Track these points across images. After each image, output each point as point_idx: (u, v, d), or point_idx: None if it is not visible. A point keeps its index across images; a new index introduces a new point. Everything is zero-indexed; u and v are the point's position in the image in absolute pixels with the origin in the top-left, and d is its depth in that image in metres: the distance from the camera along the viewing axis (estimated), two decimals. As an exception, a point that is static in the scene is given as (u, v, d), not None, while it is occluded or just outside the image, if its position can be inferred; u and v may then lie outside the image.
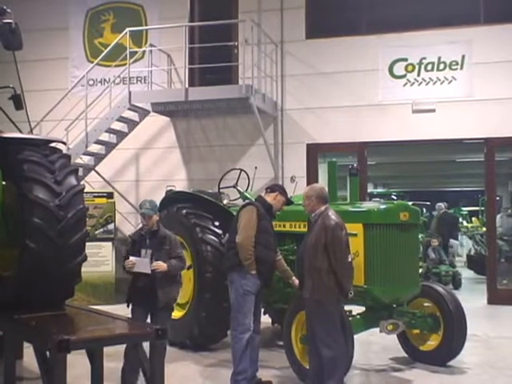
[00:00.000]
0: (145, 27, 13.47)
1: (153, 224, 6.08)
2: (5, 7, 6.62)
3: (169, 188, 9.06)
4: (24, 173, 5.52)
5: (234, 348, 6.12)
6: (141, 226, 6.44)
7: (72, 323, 5.59)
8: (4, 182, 5.27)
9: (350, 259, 5.70)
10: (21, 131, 7.18)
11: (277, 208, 6.53)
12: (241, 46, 12.54)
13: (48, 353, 4.81)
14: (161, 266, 5.92)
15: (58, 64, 14.04)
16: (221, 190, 8.87)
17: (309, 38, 12.75)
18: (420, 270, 10.24)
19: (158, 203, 6.64)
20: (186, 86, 12.34)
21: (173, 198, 8.64)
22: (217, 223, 8.17)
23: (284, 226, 7.57)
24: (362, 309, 7.00)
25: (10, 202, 5.44)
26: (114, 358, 5.71)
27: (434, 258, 14.46)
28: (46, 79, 13.67)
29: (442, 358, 7.17)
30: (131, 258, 5.99)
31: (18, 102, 6.75)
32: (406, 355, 7.50)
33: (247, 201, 6.27)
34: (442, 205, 17.16)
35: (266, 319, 8.04)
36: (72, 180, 5.75)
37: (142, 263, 5.95)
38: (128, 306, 6.08)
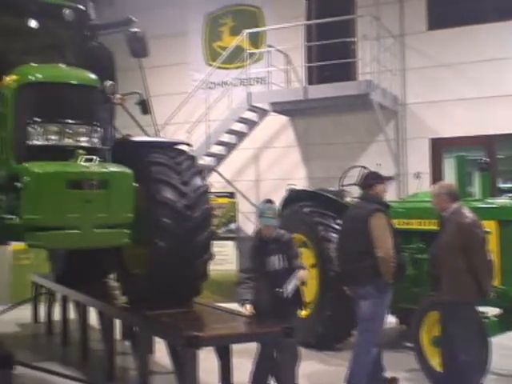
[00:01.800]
0: (262, 28, 13.58)
1: (272, 231, 5.67)
2: (131, 17, 6.89)
3: (290, 187, 9.05)
4: (152, 174, 5.71)
5: (361, 361, 5.85)
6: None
7: (200, 320, 5.72)
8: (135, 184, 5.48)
9: (489, 258, 5.44)
10: (148, 135, 7.44)
11: (384, 199, 6.30)
12: (359, 41, 12.35)
13: (179, 348, 4.94)
14: (303, 275, 5.62)
15: (178, 69, 14.47)
16: (342, 188, 8.76)
17: (430, 29, 12.34)
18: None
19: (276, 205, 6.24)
20: (305, 84, 12.32)
21: (294, 197, 8.62)
22: (339, 221, 8.05)
23: (410, 224, 7.32)
24: (496, 310, 6.65)
25: (139, 203, 5.63)
26: (242, 355, 5.76)
27: None
28: (167, 84, 14.11)
29: None
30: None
31: (145, 106, 7.00)
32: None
33: (371, 205, 5.95)
34: None
35: (391, 319, 7.84)
36: (198, 181, 5.88)
37: (290, 285, 5.50)
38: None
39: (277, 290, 5.43)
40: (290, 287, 5.47)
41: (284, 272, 5.57)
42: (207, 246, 5.87)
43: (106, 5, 12.80)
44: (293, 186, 9.18)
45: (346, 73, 12.72)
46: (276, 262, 5.59)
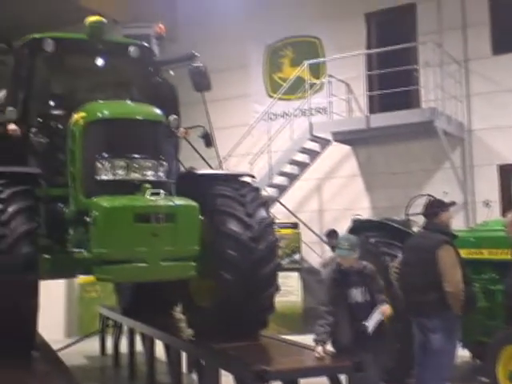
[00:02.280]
0: (323, 59, 13.61)
1: (351, 263, 5.51)
2: (193, 52, 7.01)
3: (355, 217, 8.93)
4: (217, 207, 5.73)
5: None
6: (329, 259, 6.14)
7: (267, 353, 5.65)
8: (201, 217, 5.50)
9: None
10: (211, 167, 7.51)
11: (449, 227, 6.07)
12: (421, 68, 12.21)
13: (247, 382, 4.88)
14: (387, 309, 5.42)
15: (240, 101, 14.62)
16: (409, 217, 8.58)
17: (495, 54, 12.10)
18: None
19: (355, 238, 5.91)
20: (367, 113, 12.22)
21: (359, 227, 8.48)
22: (406, 251, 7.87)
23: (481, 254, 7.08)
24: None
25: (205, 236, 5.64)
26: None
27: None
28: (229, 116, 14.27)
29: None
30: None
31: (208, 139, 7.08)
32: None
33: (437, 236, 5.78)
34: None
35: (464, 353, 7.56)
36: (262, 212, 5.87)
37: (373, 319, 5.33)
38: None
39: (362, 323, 5.27)
40: (373, 322, 5.31)
41: (366, 305, 5.41)
42: (273, 278, 5.82)
43: (168, 41, 13.12)
44: (357, 216, 9.05)
45: (409, 100, 12.58)
46: (358, 294, 5.42)
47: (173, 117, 6.52)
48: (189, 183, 5.99)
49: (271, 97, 13.98)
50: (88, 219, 5.23)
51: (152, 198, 5.22)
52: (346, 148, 13.40)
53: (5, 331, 5.06)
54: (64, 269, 6.11)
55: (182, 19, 14.96)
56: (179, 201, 5.40)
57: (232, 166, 12.22)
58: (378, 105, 13.05)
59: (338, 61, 13.15)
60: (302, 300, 12.13)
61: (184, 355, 6.81)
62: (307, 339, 6.43)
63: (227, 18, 14.44)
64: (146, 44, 7.18)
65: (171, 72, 7.38)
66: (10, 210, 5.21)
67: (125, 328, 8.97)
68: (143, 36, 11.49)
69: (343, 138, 12.74)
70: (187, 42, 13.44)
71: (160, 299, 7.38)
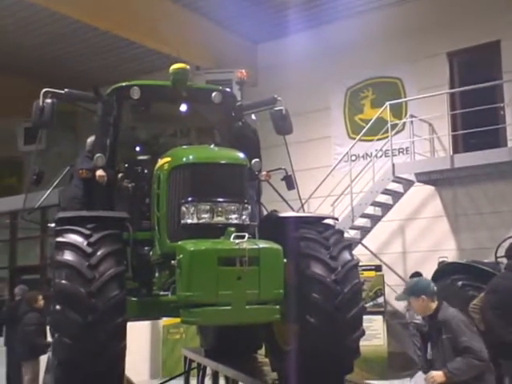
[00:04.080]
0: (404, 99, 13.49)
1: (420, 311, 5.42)
2: (275, 96, 7.09)
3: (441, 259, 8.70)
4: (301, 250, 5.69)
5: None
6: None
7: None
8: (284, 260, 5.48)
9: None
10: (293, 209, 7.49)
11: None
12: (507, 106, 11.89)
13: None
14: (435, 378, 5.15)
15: (321, 143, 14.66)
16: (498, 260, 8.26)
17: None
18: None
19: (424, 282, 5.95)
20: (451, 153, 11.96)
21: (446, 270, 8.26)
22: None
23: None
24: None
25: (288, 279, 5.60)
26: None
27: None
28: (311, 158, 14.31)
29: None
30: None
31: (290, 182, 7.08)
32: None
33: None
34: None
35: None
36: (346, 255, 5.78)
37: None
38: None
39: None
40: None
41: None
42: (358, 322, 5.69)
43: (249, 86, 13.40)
44: (444, 259, 8.82)
45: (494, 139, 12.26)
46: (430, 350, 5.30)
47: (255, 160, 6.58)
48: (271, 226, 5.99)
49: (352, 138, 13.93)
50: (173, 263, 5.30)
51: (236, 241, 5.24)
52: (430, 188, 13.13)
53: (94, 373, 5.14)
54: (150, 311, 6.21)
55: (262, 64, 15.24)
56: (263, 244, 5.40)
57: (314, 209, 12.18)
58: (461, 144, 12.79)
59: (420, 101, 13.01)
60: (386, 344, 11.81)
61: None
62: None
63: (307, 62, 14.61)
64: (228, 89, 7.33)
65: (253, 116, 7.48)
66: (99, 253, 5.34)
67: (209, 370, 8.97)
68: (225, 81, 11.81)
69: (427, 178, 12.51)
70: (267, 86, 13.65)
71: (243, 342, 7.35)
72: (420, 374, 5.17)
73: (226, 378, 7.72)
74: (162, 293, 5.71)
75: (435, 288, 5.75)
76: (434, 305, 5.61)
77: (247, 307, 5.17)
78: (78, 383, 5.13)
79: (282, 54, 14.99)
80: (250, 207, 5.76)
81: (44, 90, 6.41)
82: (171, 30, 13.62)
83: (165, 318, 10.30)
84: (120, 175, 6.59)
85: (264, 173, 6.83)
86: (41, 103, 6.30)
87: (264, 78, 14.70)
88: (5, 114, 18.10)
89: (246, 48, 15.42)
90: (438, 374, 5.18)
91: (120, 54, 14.93)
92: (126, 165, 6.74)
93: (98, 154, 6.47)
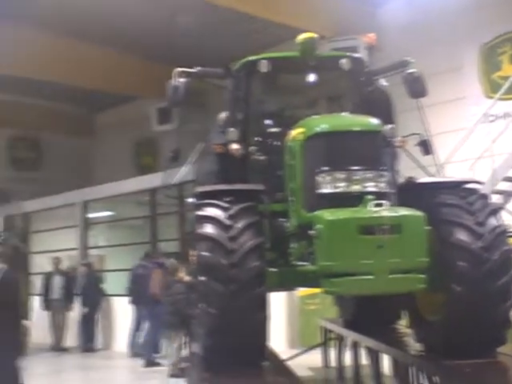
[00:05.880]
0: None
1: None
2: (406, 58, 6.82)
3: None
4: (443, 216, 5.48)
5: None
6: None
7: (507, 373, 5.23)
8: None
9: None
10: (431, 175, 7.22)
11: None
12: None
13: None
14: None
15: (455, 104, 13.98)
16: None
17: None
18: None
19: None
20: None
21: None
22: None
23: None
24: None
25: (430, 246, 5.41)
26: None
27: None
28: (445, 121, 13.67)
29: None
30: None
31: (426, 147, 6.82)
32: None
33: None
34: None
35: None
36: (493, 221, 5.50)
37: None
38: None
39: None
40: None
41: None
42: (508, 291, 5.39)
43: (374, 51, 12.99)
44: None
45: None
46: None
47: (389, 126, 6.38)
48: (410, 193, 5.80)
49: (490, 97, 13.17)
50: (311, 233, 5.27)
51: (375, 209, 5.13)
52: None
53: (237, 342, 5.25)
54: (289, 282, 6.25)
55: (385, 28, 14.73)
56: (404, 211, 5.24)
57: (451, 173, 11.68)
58: None
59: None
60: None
61: (412, 371, 6.57)
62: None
63: (434, 20, 13.95)
64: (357, 55, 7.15)
65: (384, 81, 7.25)
66: (239, 225, 5.43)
67: (348, 341, 8.94)
68: (350, 48, 11.53)
69: None
70: (393, 49, 13.19)
71: (382, 312, 7.23)
72: None
73: (368, 350, 7.63)
74: (300, 263, 5.71)
75: None
76: None
77: (390, 276, 5.06)
78: (225, 352, 5.27)
79: (405, 15, 14.40)
80: (387, 174, 5.60)
81: (176, 69, 6.56)
82: (292, 1, 13.53)
83: (300, 289, 10.33)
84: (252, 148, 6.64)
85: (399, 139, 6.62)
86: (175, 83, 6.46)
87: (389, 40, 14.20)
88: (138, 97, 18.90)
89: (366, 13, 15.00)
90: None
91: (242, 29, 15.03)
92: (257, 138, 6.77)
93: (231, 129, 6.56)
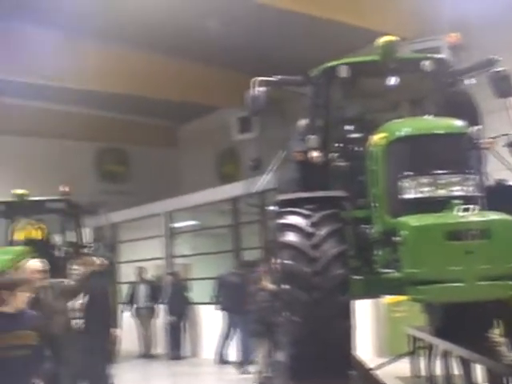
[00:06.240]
0: None
1: None
2: (493, 56, 6.60)
3: None
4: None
5: None
6: None
7: None
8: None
9: None
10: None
11: None
12: None
13: None
14: None
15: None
16: None
17: None
18: None
19: None
20: None
21: None
22: None
23: None
24: None
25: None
26: None
27: None
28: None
29: None
30: None
31: (515, 147, 6.55)
32: None
33: None
34: None
35: None
36: None
37: None
38: None
39: None
40: None
41: None
42: None
43: (459, 51, 12.59)
44: None
45: None
46: None
47: (475, 127, 6.18)
48: (501, 196, 5.60)
49: None
50: (396, 239, 5.16)
51: (463, 214, 4.96)
52: None
53: (321, 351, 5.20)
54: (373, 290, 6.14)
55: (467, 25, 14.29)
56: (493, 215, 5.05)
57: None
58: None
59: None
60: None
61: (508, 382, 6.30)
62: None
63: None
64: (439, 56, 6.97)
65: (472, 80, 7.02)
66: (321, 232, 5.38)
67: (438, 349, 8.67)
68: (432, 49, 11.26)
69: None
70: (477, 48, 12.77)
71: (474, 320, 6.97)
72: None
73: (460, 359, 7.37)
74: (385, 270, 5.60)
75: None
76: None
77: (479, 283, 4.89)
78: (310, 361, 5.23)
79: (492, 13, 13.90)
80: (474, 177, 5.42)
81: (256, 78, 6.60)
82: (369, 5, 13.37)
83: (387, 296, 10.13)
84: (332, 155, 6.58)
85: (486, 140, 6.39)
86: (254, 92, 6.50)
87: (472, 39, 13.75)
88: (219, 107, 19.15)
89: (450, 12, 14.60)
90: None
91: (321, 35, 14.95)
92: (338, 144, 6.70)
93: (311, 136, 6.52)
